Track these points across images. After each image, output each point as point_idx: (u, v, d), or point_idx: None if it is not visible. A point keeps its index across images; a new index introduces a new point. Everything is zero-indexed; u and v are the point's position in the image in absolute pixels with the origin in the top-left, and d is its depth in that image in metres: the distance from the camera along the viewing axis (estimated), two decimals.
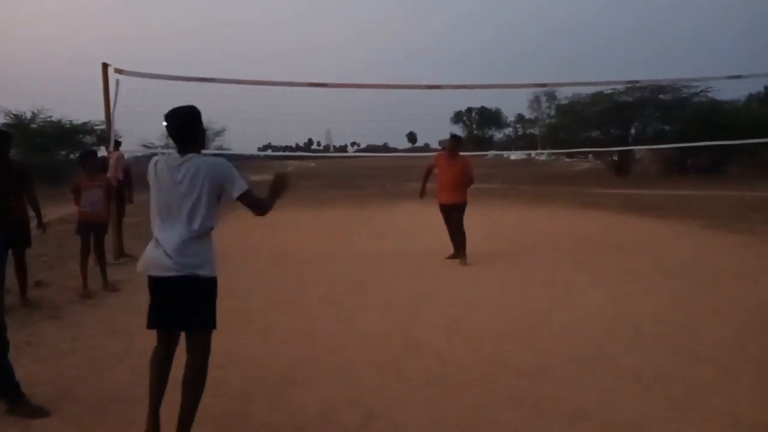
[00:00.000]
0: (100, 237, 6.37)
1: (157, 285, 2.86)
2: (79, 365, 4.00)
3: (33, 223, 5.72)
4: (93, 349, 4.31)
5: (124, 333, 4.71)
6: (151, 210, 2.90)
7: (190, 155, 2.83)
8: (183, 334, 3.01)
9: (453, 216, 7.49)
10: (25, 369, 3.76)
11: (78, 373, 3.86)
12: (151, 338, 4.53)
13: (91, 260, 6.20)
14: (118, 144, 8.21)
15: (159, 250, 2.78)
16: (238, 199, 2.87)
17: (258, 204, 2.96)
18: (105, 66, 7.81)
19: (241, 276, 6.93)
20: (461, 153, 7.76)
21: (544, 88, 61.85)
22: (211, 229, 2.91)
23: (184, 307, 2.83)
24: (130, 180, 8.34)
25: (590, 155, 37.98)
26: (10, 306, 5.43)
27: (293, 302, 5.65)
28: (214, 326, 2.95)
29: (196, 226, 2.80)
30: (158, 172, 2.85)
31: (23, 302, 5.52)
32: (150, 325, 2.97)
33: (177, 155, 2.85)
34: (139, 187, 8.60)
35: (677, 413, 3.14)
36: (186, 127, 2.88)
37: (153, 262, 2.82)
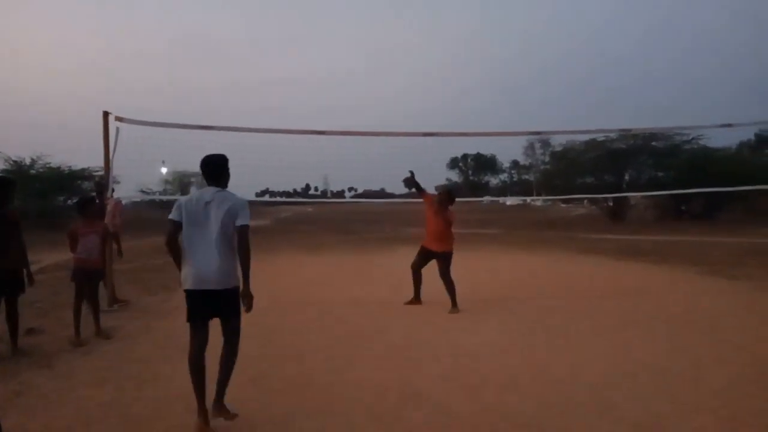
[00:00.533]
0: (95, 284, 6.32)
1: (200, 293, 3.75)
2: (68, 416, 3.91)
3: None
4: (83, 400, 4.22)
5: (115, 382, 4.62)
6: (186, 239, 3.75)
7: (219, 189, 3.85)
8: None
9: (438, 264, 7.54)
10: (13, 420, 3.68)
11: (67, 424, 3.77)
12: (141, 386, 4.47)
13: (84, 307, 6.13)
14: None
15: (201, 270, 3.71)
16: (239, 227, 3.74)
17: (245, 246, 3.74)
18: (106, 114, 7.92)
19: None
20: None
21: (538, 136, 62.93)
22: (234, 247, 3.78)
23: (221, 306, 3.80)
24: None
25: (585, 201, 38.32)
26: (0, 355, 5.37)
27: (288, 350, 5.57)
28: (239, 314, 3.86)
29: (225, 244, 3.73)
30: (188, 206, 3.77)
31: (14, 351, 5.43)
32: (189, 319, 3.82)
33: (210, 188, 3.84)
34: (132, 232, 8.61)
35: None
36: (216, 170, 3.91)
37: (198, 280, 3.72)
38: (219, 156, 3.95)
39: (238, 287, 3.77)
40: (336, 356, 5.32)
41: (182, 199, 3.85)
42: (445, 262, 7.51)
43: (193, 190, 54.53)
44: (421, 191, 7.83)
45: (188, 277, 3.75)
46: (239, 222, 3.72)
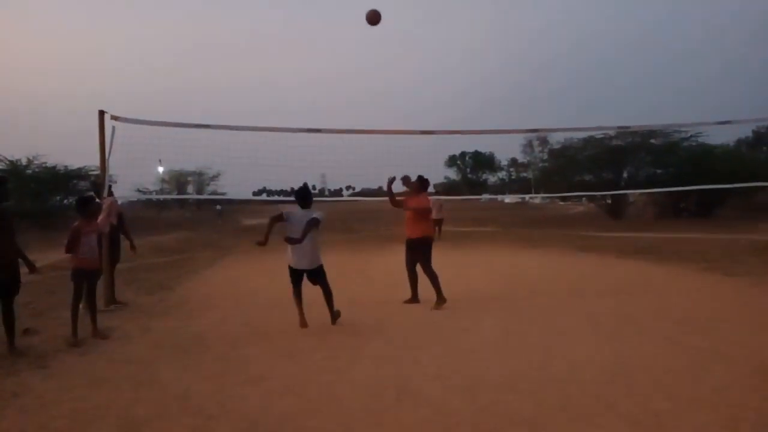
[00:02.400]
0: (94, 284, 6.30)
1: (299, 271, 6.44)
2: (64, 417, 3.88)
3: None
4: (79, 400, 4.19)
5: (111, 383, 4.59)
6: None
7: (306, 209, 6.46)
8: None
9: (418, 259, 7.62)
10: (9, 420, 3.65)
11: (62, 425, 3.74)
12: (139, 387, 4.45)
13: (81, 307, 6.10)
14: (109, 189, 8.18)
15: (298, 259, 6.36)
16: (312, 218, 6.21)
17: (312, 229, 6.22)
18: (102, 113, 7.88)
19: (234, 322, 6.84)
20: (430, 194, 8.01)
21: (536, 133, 62.78)
22: (317, 244, 6.43)
23: (315, 276, 6.49)
24: (124, 227, 8.26)
25: (584, 198, 38.35)
26: None
27: (287, 350, 5.54)
28: (325, 276, 6.54)
29: (311, 243, 6.26)
30: (291, 217, 6.31)
31: (10, 351, 5.39)
32: (292, 282, 6.52)
33: (300, 209, 6.45)
34: (133, 231, 8.56)
35: None
36: (304, 196, 6.55)
37: (297, 263, 6.41)
38: (303, 187, 6.58)
39: (322, 265, 6.48)
40: (334, 356, 5.30)
41: (285, 212, 6.31)
42: (423, 252, 7.52)
43: (190, 188, 54.51)
44: (392, 197, 7.85)
45: (291, 260, 6.39)
46: (312, 216, 6.22)
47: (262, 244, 6.18)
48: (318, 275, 6.46)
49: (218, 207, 47.24)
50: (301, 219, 6.23)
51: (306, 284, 6.60)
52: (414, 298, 7.77)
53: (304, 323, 6.38)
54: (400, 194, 8.04)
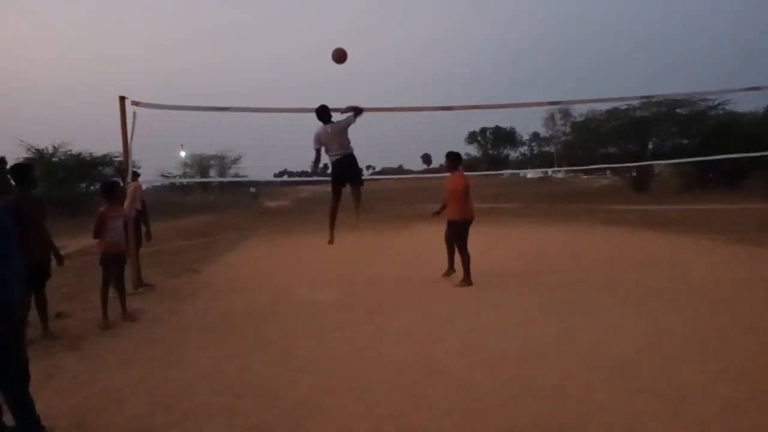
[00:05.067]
0: (122, 267, 6.43)
1: (336, 162, 6.97)
2: (98, 396, 4.00)
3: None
4: (111, 380, 4.31)
5: (142, 363, 4.71)
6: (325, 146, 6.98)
7: (330, 123, 6.92)
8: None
9: (452, 236, 7.64)
10: (45, 401, 3.76)
11: (97, 404, 3.86)
12: (167, 367, 4.55)
13: (111, 291, 6.24)
14: (136, 175, 8.29)
15: (336, 150, 6.91)
16: (351, 117, 6.99)
17: (356, 117, 7.01)
18: (122, 99, 7.95)
19: (257, 303, 6.93)
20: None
21: (558, 106, 61.73)
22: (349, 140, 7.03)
23: (352, 175, 7.07)
24: (146, 212, 8.36)
25: (608, 171, 37.72)
26: (31, 338, 5.49)
27: (310, 329, 5.61)
28: (362, 182, 7.23)
29: (344, 144, 6.95)
30: (322, 133, 6.91)
31: (44, 334, 5.55)
32: (333, 186, 7.12)
33: (323, 125, 6.93)
34: (153, 216, 8.69)
35: None
36: (325, 114, 6.95)
37: (337, 154, 6.91)
38: (323, 106, 6.97)
39: (353, 154, 7.04)
40: (358, 334, 5.35)
41: (317, 136, 6.93)
42: (459, 233, 7.48)
43: (212, 172, 55.25)
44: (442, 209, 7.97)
45: (330, 160, 7.02)
46: (352, 122, 6.96)
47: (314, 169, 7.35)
48: (354, 170, 7.07)
49: (252, 189, 48.40)
50: (325, 131, 6.93)
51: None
52: (450, 269, 7.83)
53: (331, 240, 7.40)
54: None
